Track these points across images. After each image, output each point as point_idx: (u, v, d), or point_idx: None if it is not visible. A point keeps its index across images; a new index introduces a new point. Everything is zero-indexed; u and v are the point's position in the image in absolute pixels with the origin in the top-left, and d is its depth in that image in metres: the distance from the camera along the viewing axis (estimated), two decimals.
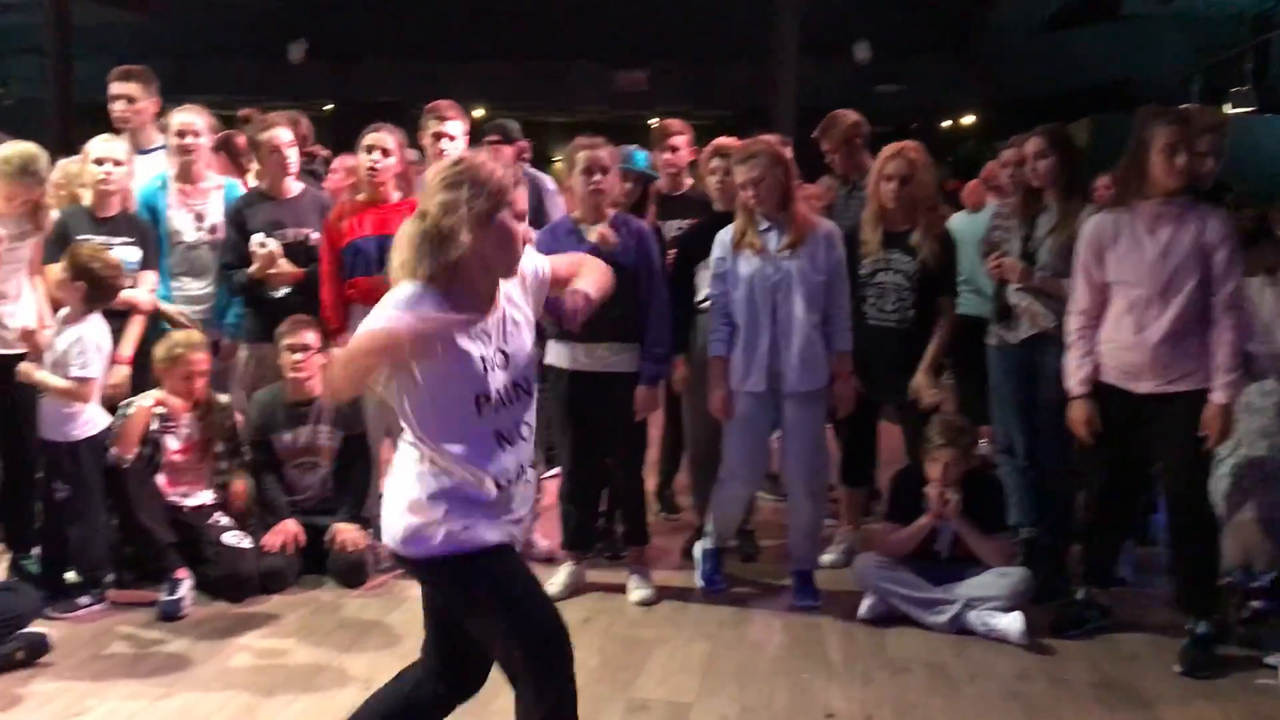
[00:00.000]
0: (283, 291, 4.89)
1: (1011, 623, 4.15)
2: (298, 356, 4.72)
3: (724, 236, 4.57)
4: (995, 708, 3.67)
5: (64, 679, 3.75)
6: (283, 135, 4.93)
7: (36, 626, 3.95)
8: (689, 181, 5.36)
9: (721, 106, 13.96)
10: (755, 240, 4.46)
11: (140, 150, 5.30)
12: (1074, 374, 4.16)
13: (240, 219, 4.93)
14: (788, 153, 4.53)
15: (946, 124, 15.29)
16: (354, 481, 4.87)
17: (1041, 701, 3.71)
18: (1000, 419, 4.84)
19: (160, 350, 4.65)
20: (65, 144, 8.04)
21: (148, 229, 4.89)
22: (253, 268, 4.80)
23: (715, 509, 4.72)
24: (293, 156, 4.98)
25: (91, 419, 4.40)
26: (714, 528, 4.76)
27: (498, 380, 2.56)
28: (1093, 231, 4.12)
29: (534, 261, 2.74)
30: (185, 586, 4.37)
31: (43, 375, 4.29)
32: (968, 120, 15.16)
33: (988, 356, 4.85)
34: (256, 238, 4.81)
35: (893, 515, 4.50)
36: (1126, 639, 4.21)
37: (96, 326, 4.38)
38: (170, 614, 4.29)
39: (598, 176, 4.41)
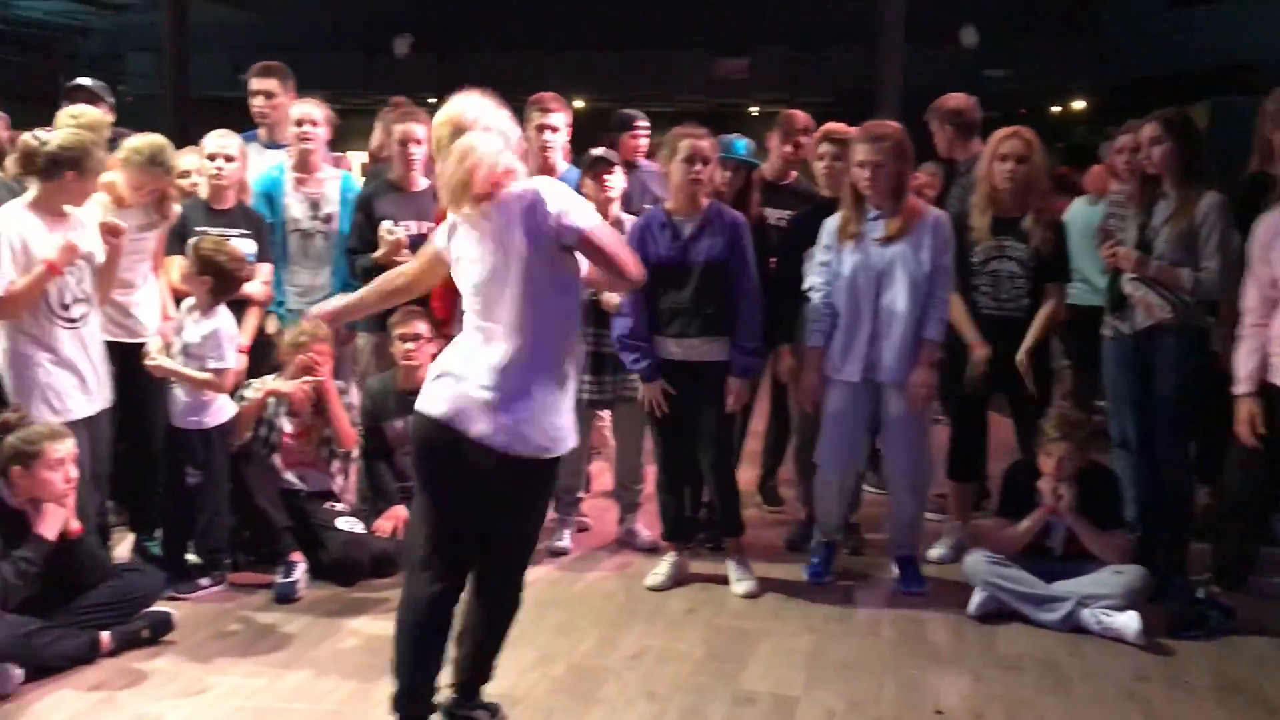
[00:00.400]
0: None
1: (1128, 622, 4.04)
2: (409, 346, 4.80)
3: (831, 224, 4.52)
4: (1111, 708, 3.58)
5: (185, 657, 3.88)
6: (416, 130, 5.01)
7: (160, 606, 4.08)
8: (794, 173, 5.32)
9: (823, 93, 13.79)
10: (860, 229, 4.41)
11: (274, 145, 5.47)
12: (1240, 371, 4.06)
13: (369, 206, 5.03)
14: (910, 145, 4.45)
15: (1056, 109, 14.91)
16: None
17: (1160, 703, 3.61)
18: (1115, 412, 4.71)
19: (287, 337, 4.78)
20: (181, 139, 8.29)
21: (262, 221, 5.03)
22: (378, 253, 4.87)
23: (815, 501, 4.69)
24: (419, 152, 5.05)
25: (222, 407, 4.54)
26: (818, 520, 4.72)
27: None
28: (1262, 228, 4.04)
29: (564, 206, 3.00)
30: (300, 570, 4.49)
31: (178, 367, 4.43)
32: (1078, 105, 14.75)
33: (1102, 348, 4.73)
34: (385, 224, 4.90)
35: (1004, 510, 4.42)
36: (1251, 641, 4.07)
37: (227, 318, 4.52)
38: (286, 596, 4.40)
39: (698, 166, 4.39)
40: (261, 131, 5.56)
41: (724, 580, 4.59)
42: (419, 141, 5.01)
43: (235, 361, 4.54)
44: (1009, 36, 13.53)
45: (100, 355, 4.25)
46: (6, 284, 3.93)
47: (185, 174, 5.03)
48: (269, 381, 4.77)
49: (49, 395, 4.05)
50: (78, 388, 4.12)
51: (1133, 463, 4.61)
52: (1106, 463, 4.60)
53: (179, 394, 4.50)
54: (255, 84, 5.51)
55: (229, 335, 4.49)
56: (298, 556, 4.52)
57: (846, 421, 4.55)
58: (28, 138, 4.10)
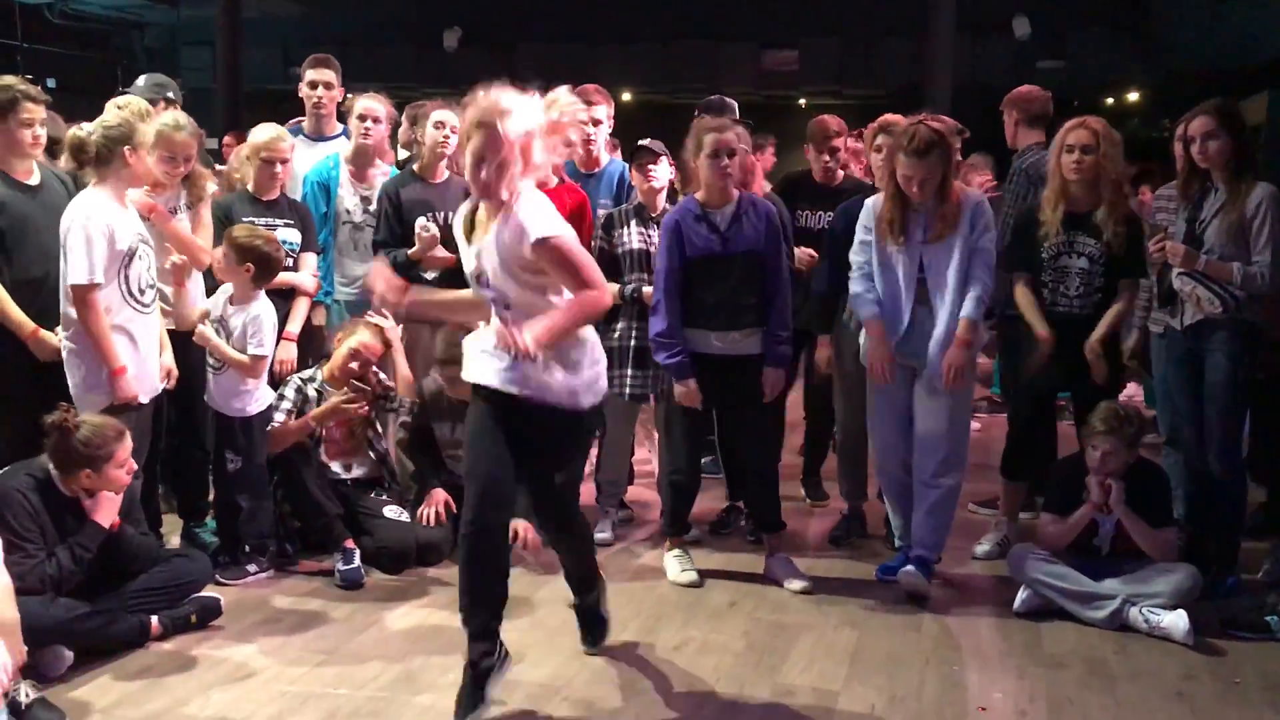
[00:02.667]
0: (433, 274, 5.00)
1: (1176, 621, 3.98)
2: (458, 386, 4.78)
3: (871, 205, 4.46)
4: (1158, 708, 3.53)
5: (232, 642, 3.94)
6: (447, 118, 5.04)
7: (208, 592, 4.15)
8: (842, 173, 5.28)
9: (873, 86, 13.69)
10: (903, 230, 4.32)
11: (321, 136, 5.53)
12: None
13: (396, 198, 5.06)
14: (957, 144, 4.40)
15: (1110, 101, 14.69)
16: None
17: (1209, 703, 3.55)
18: (1165, 408, 4.65)
19: (342, 339, 4.80)
20: (234, 131, 8.41)
21: (307, 212, 5.08)
22: (414, 249, 4.92)
23: (890, 505, 4.66)
24: (453, 141, 5.07)
25: (262, 396, 4.60)
26: (899, 524, 4.65)
27: None
28: None
29: (521, 221, 3.19)
30: (358, 555, 4.55)
31: (220, 343, 4.49)
32: (1133, 97, 14.53)
33: (1151, 343, 4.67)
34: (420, 221, 4.92)
35: (1052, 506, 4.35)
36: None
37: (268, 306, 4.57)
38: (354, 581, 4.46)
39: (725, 160, 4.35)
40: (308, 123, 5.61)
41: (763, 575, 4.58)
42: (454, 130, 5.03)
43: (272, 349, 4.58)
44: (1062, 27, 13.33)
45: (158, 343, 4.32)
46: (96, 274, 3.98)
47: (236, 168, 5.10)
48: (311, 376, 4.81)
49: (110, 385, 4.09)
50: (140, 376, 4.18)
51: (1183, 459, 4.54)
52: (1155, 459, 4.54)
53: (221, 380, 4.55)
54: (312, 75, 5.57)
55: (269, 323, 4.54)
56: (352, 543, 4.58)
57: (887, 414, 4.52)
58: (74, 132, 4.17)
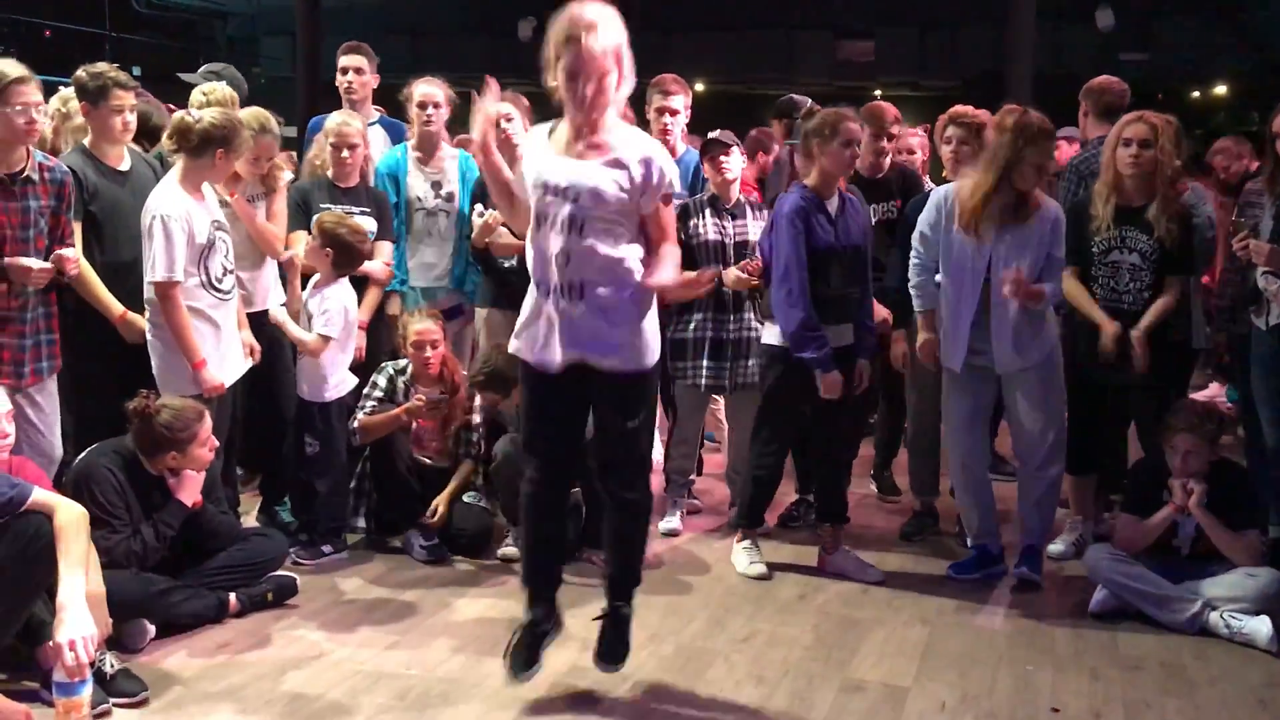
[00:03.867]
0: (510, 261, 5.03)
1: (1259, 626, 3.88)
2: None
3: (940, 197, 4.43)
4: (1238, 714, 3.45)
5: (306, 622, 4.01)
6: (505, 108, 5.05)
7: (284, 571, 4.23)
8: (888, 163, 5.21)
9: (948, 76, 13.53)
10: (977, 224, 4.29)
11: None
12: None
13: (480, 190, 5.10)
14: None
15: (1195, 94, 14.35)
16: None
17: None
18: (1250, 409, 4.53)
19: (406, 333, 4.83)
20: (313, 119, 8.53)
21: (384, 201, 5.13)
22: (473, 236, 4.96)
23: (962, 503, 4.63)
24: (514, 129, 5.08)
25: (343, 381, 4.67)
26: (970, 523, 4.62)
27: None
28: None
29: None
30: (435, 535, 4.63)
31: (285, 320, 4.58)
32: (1219, 90, 14.17)
33: (1234, 341, 4.56)
34: (478, 208, 4.97)
35: (1131, 506, 4.27)
36: None
37: (347, 291, 4.64)
38: (437, 557, 4.57)
39: (854, 150, 4.31)
40: (345, 110, 5.61)
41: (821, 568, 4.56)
42: (509, 118, 5.04)
43: (343, 334, 4.61)
44: (1147, 18, 13.05)
45: (236, 326, 4.40)
46: (176, 272, 4.06)
47: (316, 155, 5.16)
48: (403, 368, 4.85)
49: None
50: (220, 360, 4.26)
51: (1270, 461, 4.42)
52: (1239, 459, 4.43)
53: (301, 365, 4.63)
54: (343, 60, 5.62)
55: (343, 306, 4.59)
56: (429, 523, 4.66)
57: (957, 412, 4.50)
58: (183, 115, 4.26)
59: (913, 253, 4.51)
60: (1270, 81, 11.00)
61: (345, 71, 5.61)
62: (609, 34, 3.11)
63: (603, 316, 3.20)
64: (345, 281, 4.65)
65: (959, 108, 4.89)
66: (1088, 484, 4.88)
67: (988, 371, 4.40)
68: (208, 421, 3.91)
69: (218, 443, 4.01)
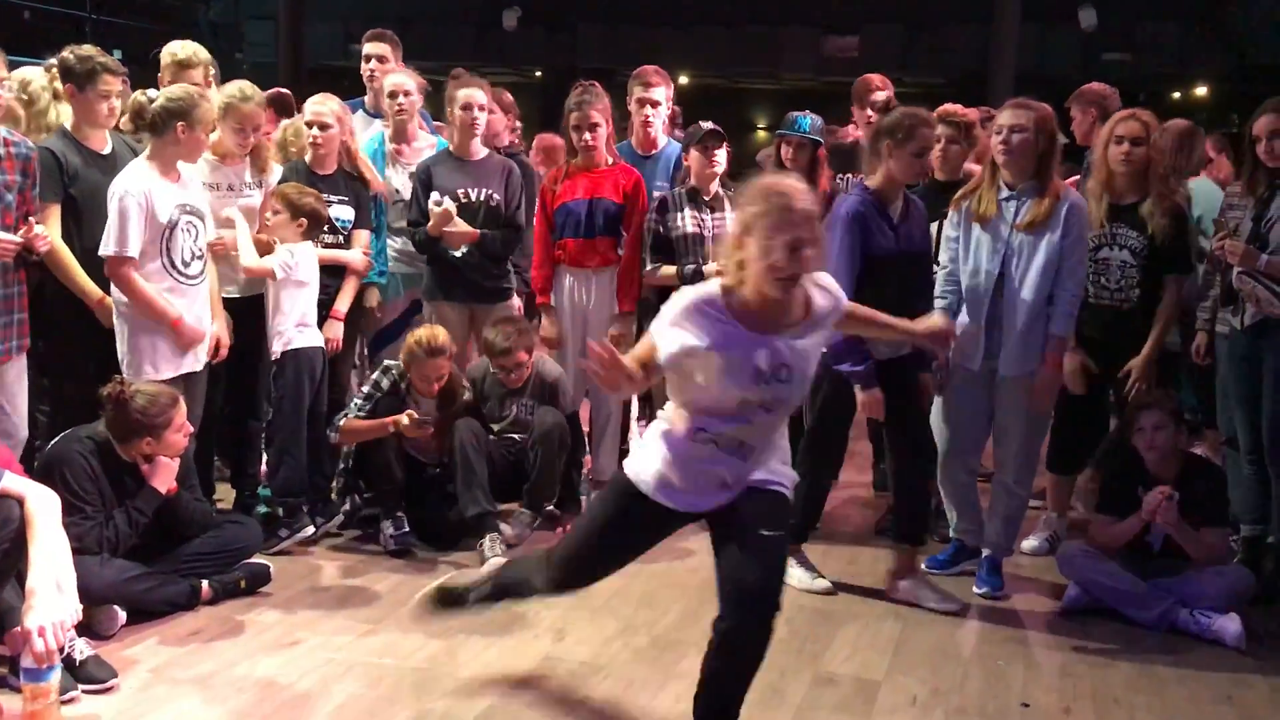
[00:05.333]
0: (461, 251, 5.00)
1: (1227, 624, 3.92)
2: (513, 375, 4.81)
3: (963, 202, 4.36)
4: (1206, 711, 3.48)
5: (280, 609, 4.00)
6: (477, 96, 5.03)
7: (258, 559, 4.21)
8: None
9: (934, 73, 13.56)
10: (991, 209, 4.21)
11: (379, 113, 5.53)
12: None
13: (426, 177, 5.06)
14: (1056, 127, 4.26)
15: (1176, 95, 14.43)
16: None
17: (1259, 709, 3.49)
18: (1224, 409, 4.57)
19: (406, 350, 4.72)
20: (294, 106, 8.49)
21: (362, 189, 5.05)
22: (430, 225, 4.93)
23: (946, 498, 4.60)
24: (482, 119, 5.06)
25: (292, 338, 4.59)
26: (954, 518, 4.60)
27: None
28: None
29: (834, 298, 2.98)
30: (406, 523, 4.61)
31: (225, 234, 4.50)
32: (1200, 92, 14.26)
33: (1216, 344, 4.59)
34: (434, 196, 4.94)
35: (1104, 506, 4.29)
36: None
37: (309, 249, 4.62)
38: (404, 547, 4.55)
39: (924, 160, 4.19)
40: (369, 99, 5.65)
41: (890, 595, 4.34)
42: (481, 108, 5.03)
43: (299, 282, 4.57)
44: (1129, 19, 13.10)
45: (206, 314, 4.37)
46: (127, 248, 4.05)
47: (293, 141, 5.13)
48: (393, 367, 4.80)
49: (157, 354, 4.16)
50: (176, 349, 4.23)
51: (1241, 460, 4.46)
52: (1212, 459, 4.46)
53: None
54: (369, 48, 5.61)
55: (306, 257, 4.56)
56: (402, 514, 4.64)
57: (965, 412, 4.42)
58: (137, 95, 4.24)
59: (943, 264, 4.39)
60: (1251, 84, 11.07)
61: (369, 59, 5.58)
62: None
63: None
64: (311, 245, 4.64)
65: (948, 106, 4.90)
66: (1068, 483, 4.91)
67: (991, 375, 4.33)
68: (182, 407, 3.89)
69: (192, 429, 3.98)
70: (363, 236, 5.02)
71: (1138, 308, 4.45)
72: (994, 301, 4.23)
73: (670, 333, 2.83)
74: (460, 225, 4.90)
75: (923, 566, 4.52)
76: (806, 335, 2.92)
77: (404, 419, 4.62)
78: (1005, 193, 4.22)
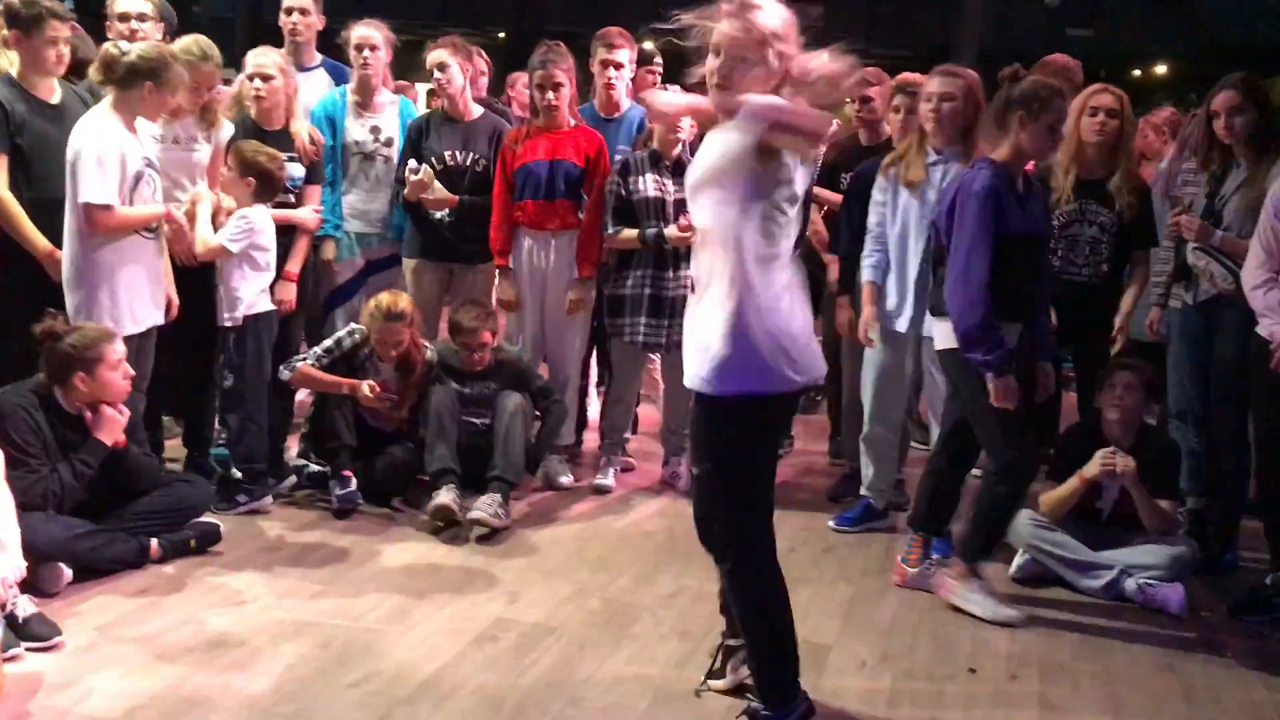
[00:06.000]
0: (441, 214, 4.97)
1: (1171, 594, 3.98)
2: (475, 355, 4.79)
3: (890, 168, 4.44)
4: (1147, 678, 3.53)
5: (230, 569, 3.96)
6: (438, 56, 4.98)
7: (209, 518, 4.18)
8: (889, 129, 5.21)
9: (899, 45, 13.55)
10: (919, 174, 4.30)
11: (301, 67, 5.38)
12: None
13: (416, 136, 5.04)
14: (983, 94, 4.29)
15: (1138, 74, 14.54)
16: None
17: (1198, 677, 3.55)
18: (1175, 382, 4.63)
19: (368, 313, 4.72)
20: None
21: (319, 146, 4.94)
22: (406, 191, 4.90)
23: (865, 455, 4.65)
24: (457, 80, 5.01)
25: (254, 303, 4.52)
26: (862, 475, 4.68)
27: None
28: None
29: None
30: (354, 483, 4.57)
31: (184, 222, 4.38)
32: (1161, 70, 14.37)
33: (1167, 318, 4.63)
34: (410, 163, 4.91)
35: (1059, 474, 4.33)
36: None
37: (262, 214, 4.53)
38: (348, 506, 4.51)
39: (1057, 134, 3.95)
40: (286, 53, 5.42)
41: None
42: (446, 68, 4.98)
43: (253, 252, 4.49)
44: None
45: (161, 271, 4.30)
46: (111, 196, 3.98)
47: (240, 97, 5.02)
48: (355, 330, 4.79)
49: (117, 309, 4.09)
50: (142, 301, 4.18)
51: (1190, 434, 4.52)
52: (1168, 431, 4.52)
53: (220, 291, 4.52)
54: (289, 0, 5.39)
55: (253, 228, 4.46)
56: (349, 473, 4.59)
57: (890, 374, 4.52)
58: (109, 47, 4.14)
59: (870, 224, 4.47)
60: (1211, 65, 11.15)
61: (290, 12, 5.40)
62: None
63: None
64: (264, 207, 4.55)
65: (906, 75, 4.90)
66: None
67: (919, 337, 4.41)
68: (118, 345, 3.81)
69: (133, 372, 3.90)
70: (313, 194, 4.94)
71: (1106, 283, 4.49)
72: (922, 265, 4.31)
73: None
74: (438, 191, 4.88)
75: (830, 524, 4.61)
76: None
77: (365, 388, 4.60)
78: (932, 157, 4.30)
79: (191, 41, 4.53)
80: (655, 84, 5.47)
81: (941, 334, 3.87)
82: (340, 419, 4.66)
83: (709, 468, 2.88)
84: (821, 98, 2.72)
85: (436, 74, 5.00)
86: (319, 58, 5.52)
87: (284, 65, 4.84)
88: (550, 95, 4.86)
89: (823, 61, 2.71)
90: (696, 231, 2.84)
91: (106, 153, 3.97)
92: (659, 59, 5.52)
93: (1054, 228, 4.46)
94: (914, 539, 4.14)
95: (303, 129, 4.89)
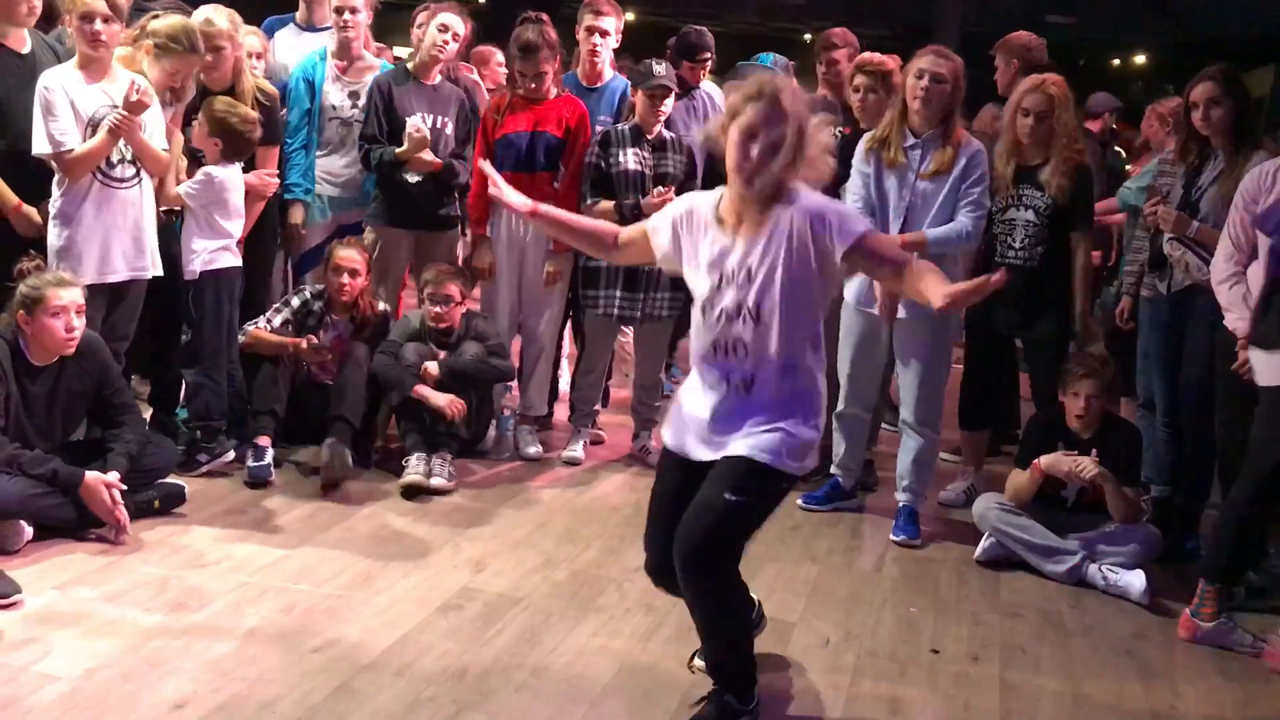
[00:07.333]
0: (416, 177, 4.91)
1: (1133, 580, 4.02)
2: (438, 309, 4.75)
3: (863, 146, 4.43)
4: (1106, 663, 3.57)
5: (193, 531, 3.93)
6: (453, 23, 4.93)
7: (174, 479, 4.14)
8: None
9: (880, 25, 13.52)
10: (900, 157, 4.29)
11: (312, 26, 5.36)
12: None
13: (388, 93, 4.94)
14: (964, 81, 4.31)
15: (1116, 62, 14.57)
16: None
17: (1156, 662, 3.59)
18: (1143, 371, 4.66)
19: (331, 256, 4.77)
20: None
21: (270, 106, 4.78)
22: (402, 149, 4.83)
23: (836, 433, 4.66)
24: (451, 47, 4.97)
25: (215, 259, 4.45)
26: (839, 453, 4.70)
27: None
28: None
29: (847, 221, 2.76)
30: (269, 455, 4.48)
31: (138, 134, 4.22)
32: (1139, 60, 14.42)
33: (1139, 306, 4.66)
34: (412, 121, 4.82)
35: (1024, 457, 4.35)
36: (1267, 619, 3.89)
37: (229, 171, 4.47)
38: (259, 479, 4.41)
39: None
40: (300, 13, 5.45)
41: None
42: (457, 36, 4.95)
43: (214, 207, 4.42)
44: None
45: (144, 225, 4.23)
46: (64, 143, 3.96)
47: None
48: (320, 292, 4.78)
49: (84, 256, 4.05)
50: (115, 252, 4.12)
51: (1157, 423, 4.56)
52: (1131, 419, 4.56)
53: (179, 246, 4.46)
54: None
55: (214, 181, 4.39)
56: (266, 441, 4.50)
57: (864, 352, 4.53)
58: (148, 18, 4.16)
59: (850, 197, 4.45)
60: (1190, 55, 11.20)
61: (340, 11, 5.17)
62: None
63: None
64: (234, 166, 4.49)
65: (866, 55, 4.92)
66: (981, 437, 4.98)
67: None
68: (66, 293, 3.72)
69: (78, 324, 3.78)
70: (269, 155, 4.82)
71: (1042, 267, 4.50)
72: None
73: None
74: (427, 154, 4.84)
75: (799, 502, 4.63)
76: (764, 241, 2.76)
77: (303, 343, 4.65)
78: (910, 139, 4.30)
79: (177, 28, 4.32)
80: (702, 79, 5.44)
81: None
82: (275, 377, 4.62)
83: (750, 517, 2.87)
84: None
85: (441, 35, 4.91)
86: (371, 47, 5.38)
87: (232, 31, 4.65)
88: (533, 84, 4.82)
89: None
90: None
91: (54, 100, 3.95)
92: (708, 54, 5.38)
93: (993, 213, 4.51)
94: (1206, 590, 3.75)
95: (249, 89, 4.70)
